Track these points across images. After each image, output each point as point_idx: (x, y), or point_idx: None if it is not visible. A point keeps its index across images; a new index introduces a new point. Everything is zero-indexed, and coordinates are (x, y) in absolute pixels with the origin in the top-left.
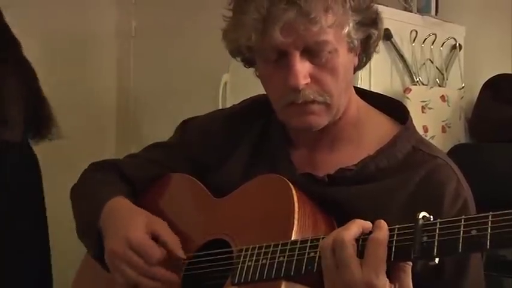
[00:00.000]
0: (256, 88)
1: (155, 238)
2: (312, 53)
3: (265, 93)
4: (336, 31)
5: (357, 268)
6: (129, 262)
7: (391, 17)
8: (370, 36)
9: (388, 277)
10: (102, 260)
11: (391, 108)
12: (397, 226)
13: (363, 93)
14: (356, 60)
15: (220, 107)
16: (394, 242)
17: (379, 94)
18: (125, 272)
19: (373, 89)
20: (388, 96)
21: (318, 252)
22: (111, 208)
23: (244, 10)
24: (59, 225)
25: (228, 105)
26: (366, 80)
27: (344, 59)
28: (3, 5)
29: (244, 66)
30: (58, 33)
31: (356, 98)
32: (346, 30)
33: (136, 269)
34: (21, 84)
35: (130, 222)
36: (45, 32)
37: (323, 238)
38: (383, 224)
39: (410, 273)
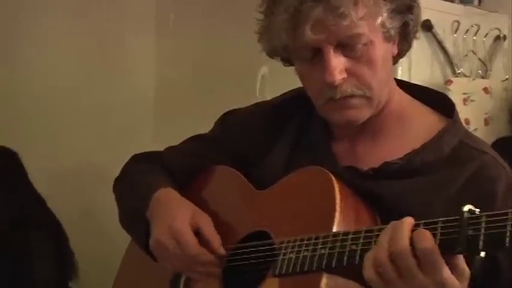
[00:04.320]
0: (295, 80)
1: (197, 231)
2: (346, 47)
3: None
4: (369, 22)
5: (420, 273)
6: (170, 252)
7: (432, 8)
8: (407, 23)
9: None
10: (148, 249)
11: (435, 100)
12: (441, 219)
13: (404, 85)
14: (395, 49)
15: (257, 100)
16: (439, 235)
17: (422, 86)
18: (167, 260)
19: (412, 81)
20: (431, 88)
21: (359, 245)
22: (159, 198)
23: (274, 11)
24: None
25: (266, 98)
26: (405, 72)
27: (381, 49)
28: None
29: (284, 65)
30: (96, 28)
31: (398, 90)
32: (380, 20)
33: (177, 259)
34: (53, 247)
35: (176, 212)
36: (84, 26)
37: (365, 231)
38: (425, 233)
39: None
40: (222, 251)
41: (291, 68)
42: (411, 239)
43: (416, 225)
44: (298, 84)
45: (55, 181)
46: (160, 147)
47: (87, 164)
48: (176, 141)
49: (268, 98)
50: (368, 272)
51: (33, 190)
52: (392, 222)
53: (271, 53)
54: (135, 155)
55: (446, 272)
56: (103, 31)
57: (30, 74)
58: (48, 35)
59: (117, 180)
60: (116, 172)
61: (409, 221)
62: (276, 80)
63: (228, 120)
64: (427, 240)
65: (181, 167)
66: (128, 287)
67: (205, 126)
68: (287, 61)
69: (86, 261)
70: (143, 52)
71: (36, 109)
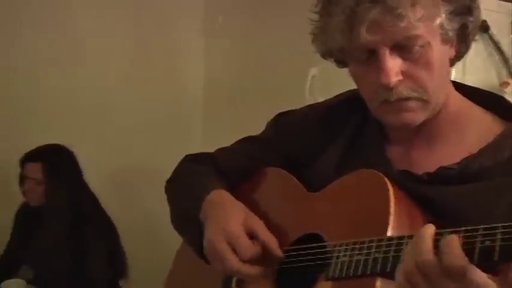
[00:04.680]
0: (345, 81)
1: (251, 234)
2: (403, 48)
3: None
4: (427, 24)
5: (449, 281)
6: (224, 254)
7: (488, 8)
8: (465, 25)
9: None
10: (201, 251)
11: (491, 102)
12: (482, 226)
13: (459, 87)
14: (452, 52)
15: (307, 101)
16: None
17: (477, 88)
18: (220, 263)
19: (467, 84)
20: (486, 90)
21: None
22: (211, 201)
23: (329, 12)
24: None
25: (316, 99)
26: (459, 73)
27: (438, 51)
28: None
29: (337, 66)
30: (146, 31)
31: (454, 93)
32: (438, 21)
33: (229, 262)
34: (105, 245)
35: (230, 215)
36: (135, 29)
37: None
38: (449, 241)
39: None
40: (279, 252)
41: (341, 69)
42: (436, 247)
43: (438, 234)
44: (348, 85)
45: (105, 180)
46: (209, 147)
47: (137, 163)
48: (225, 142)
49: (318, 99)
50: (400, 281)
51: (88, 188)
52: (416, 232)
53: (326, 55)
54: (188, 155)
55: (477, 275)
56: (153, 34)
57: (84, 75)
58: (103, 37)
59: (170, 181)
60: (165, 172)
61: (430, 230)
62: (325, 81)
63: (281, 121)
64: (451, 248)
65: (233, 168)
66: (180, 287)
67: (254, 127)
68: (341, 63)
69: (136, 261)
70: (192, 54)
71: (89, 109)
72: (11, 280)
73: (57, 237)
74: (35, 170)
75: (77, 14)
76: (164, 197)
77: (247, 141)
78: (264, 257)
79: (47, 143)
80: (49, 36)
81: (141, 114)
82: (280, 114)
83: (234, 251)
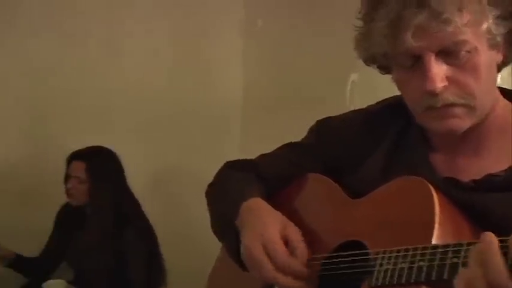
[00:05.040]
0: (385, 87)
1: (288, 242)
2: (449, 54)
3: (399, 93)
4: (474, 29)
5: None
6: (261, 262)
7: None
8: None
9: None
10: (238, 257)
11: None
12: None
13: (505, 92)
14: (500, 57)
15: (347, 107)
16: None
17: None
18: (257, 271)
19: None
20: None
21: (461, 258)
22: (248, 208)
23: (374, 18)
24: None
25: (356, 104)
26: (505, 79)
27: (485, 57)
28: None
29: (380, 72)
30: (186, 35)
31: (502, 99)
32: (485, 26)
33: (267, 270)
34: (144, 246)
35: (267, 222)
36: (176, 33)
37: (467, 244)
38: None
39: None
40: (301, 269)
41: (382, 75)
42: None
43: (502, 241)
44: (389, 90)
45: (144, 183)
46: (246, 151)
47: (174, 166)
48: (263, 146)
49: (358, 104)
50: None
51: (129, 190)
52: (479, 245)
53: (369, 61)
54: (229, 161)
55: None
56: (192, 37)
57: (125, 77)
58: (143, 38)
59: (210, 186)
60: (202, 175)
61: (495, 244)
62: (366, 87)
63: (323, 127)
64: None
65: (274, 175)
66: None
67: (292, 133)
68: (384, 69)
69: (175, 266)
70: (231, 57)
71: (130, 111)
72: (53, 281)
73: (99, 238)
74: (79, 168)
75: (120, 15)
76: (202, 200)
77: (288, 147)
78: (303, 265)
79: (89, 144)
80: (95, 36)
81: (180, 117)
82: (321, 120)
83: (272, 258)
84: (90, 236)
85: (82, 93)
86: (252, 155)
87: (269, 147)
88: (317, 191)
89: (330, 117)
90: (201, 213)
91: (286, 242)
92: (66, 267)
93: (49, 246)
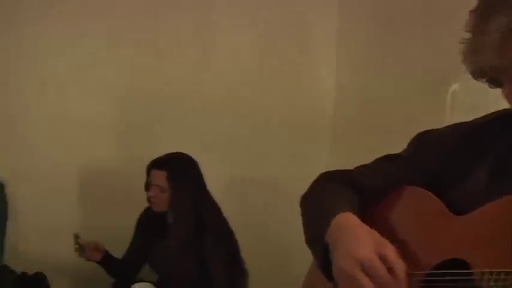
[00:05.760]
0: (487, 98)
1: (383, 260)
2: None
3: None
4: None
5: None
6: (359, 282)
7: None
8: None
9: None
10: (326, 270)
11: None
12: None
13: None
14: None
15: (447, 117)
16: None
17: None
18: None
19: None
20: None
21: None
22: (339, 223)
23: (484, 30)
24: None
25: (457, 115)
26: None
27: None
28: None
29: (490, 86)
30: (277, 35)
31: None
32: None
33: None
34: (223, 253)
35: (360, 241)
36: (264, 31)
37: None
38: None
39: None
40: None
41: (484, 86)
42: None
43: None
44: (491, 101)
45: (226, 189)
46: (336, 160)
47: (258, 172)
48: (354, 158)
49: (459, 116)
50: None
51: (210, 198)
52: None
53: (477, 74)
54: (325, 172)
55: None
56: (284, 40)
57: (212, 81)
58: (233, 37)
59: (304, 197)
60: (291, 185)
61: None
62: (467, 97)
63: (423, 139)
64: None
65: (371, 187)
66: None
67: (386, 144)
68: (494, 83)
69: (255, 270)
70: (324, 66)
71: (214, 116)
72: (143, 283)
73: (181, 245)
74: (160, 177)
75: (208, 28)
76: (287, 210)
77: (386, 159)
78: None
79: (172, 150)
80: (188, 48)
81: (267, 123)
82: (422, 132)
83: (372, 277)
84: (172, 243)
85: (166, 98)
86: (340, 166)
87: (361, 157)
88: (416, 204)
89: (431, 130)
90: (281, 220)
91: (381, 259)
92: (150, 270)
93: (131, 250)
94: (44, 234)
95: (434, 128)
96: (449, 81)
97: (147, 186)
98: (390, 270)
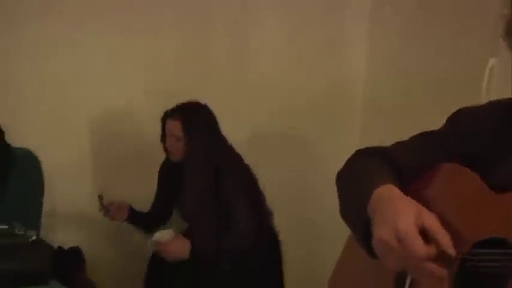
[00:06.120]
0: None
1: (424, 232)
2: None
3: None
4: None
5: None
6: (393, 252)
7: None
8: None
9: None
10: (368, 245)
11: None
12: None
13: None
14: None
15: (484, 94)
16: None
17: None
18: (390, 261)
19: None
20: None
21: None
22: (380, 195)
23: None
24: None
25: (494, 92)
26: None
27: None
28: None
29: None
30: (310, 16)
31: None
32: None
33: (402, 260)
34: (244, 194)
35: (400, 211)
36: (297, 13)
37: None
38: None
39: None
40: (452, 251)
41: None
42: None
43: None
44: None
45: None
46: (368, 139)
47: (295, 149)
48: (386, 135)
49: (496, 92)
50: None
51: (227, 144)
52: None
53: None
54: (360, 149)
55: None
56: (317, 22)
57: (248, 61)
58: (267, 21)
59: (340, 174)
60: (323, 163)
61: None
62: (506, 73)
63: (462, 116)
64: None
65: (408, 164)
66: (348, 281)
67: (419, 122)
68: None
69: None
70: (356, 43)
71: (246, 94)
72: (162, 231)
73: (199, 192)
74: (175, 127)
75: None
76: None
77: (424, 136)
78: (440, 257)
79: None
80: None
81: (300, 103)
82: (462, 109)
83: (406, 249)
84: (190, 190)
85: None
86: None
87: (392, 136)
88: (455, 182)
89: (470, 106)
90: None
91: (423, 231)
92: (179, 220)
93: (157, 201)
94: (78, 209)
95: (474, 103)
96: (486, 57)
97: (163, 136)
98: (431, 240)
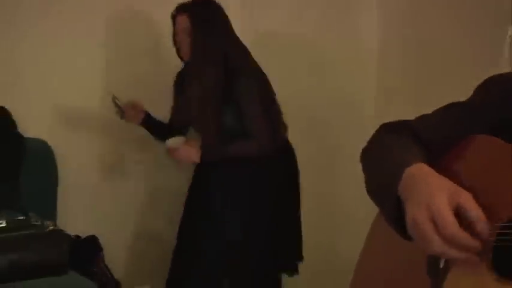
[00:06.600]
0: None
1: (459, 210)
2: None
3: None
4: None
5: None
6: (428, 234)
7: None
8: None
9: None
10: (398, 225)
11: None
12: None
13: None
14: None
15: (503, 65)
16: None
17: None
18: (424, 243)
19: None
20: None
21: None
22: (412, 174)
23: None
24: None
25: None
26: None
27: None
28: None
29: None
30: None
31: None
32: None
33: (434, 243)
34: (257, 93)
35: (434, 191)
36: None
37: None
38: None
39: None
40: (486, 230)
41: None
42: None
43: None
44: None
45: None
46: (381, 117)
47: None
48: (399, 111)
49: None
50: None
51: (238, 41)
52: None
53: None
54: (385, 124)
55: None
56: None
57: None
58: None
59: (365, 151)
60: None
61: None
62: None
63: (491, 84)
64: None
65: (436, 137)
66: (376, 264)
67: (436, 93)
68: None
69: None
70: (366, 11)
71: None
72: (174, 138)
73: (208, 91)
74: (184, 21)
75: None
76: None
77: (450, 107)
78: (474, 235)
79: None
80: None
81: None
82: (491, 77)
83: (440, 229)
84: (193, 88)
85: None
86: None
87: (408, 111)
88: (487, 154)
89: (499, 75)
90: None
91: (456, 210)
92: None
93: (174, 110)
94: (94, 198)
95: (495, 73)
96: (506, 23)
97: (175, 35)
98: (466, 220)
